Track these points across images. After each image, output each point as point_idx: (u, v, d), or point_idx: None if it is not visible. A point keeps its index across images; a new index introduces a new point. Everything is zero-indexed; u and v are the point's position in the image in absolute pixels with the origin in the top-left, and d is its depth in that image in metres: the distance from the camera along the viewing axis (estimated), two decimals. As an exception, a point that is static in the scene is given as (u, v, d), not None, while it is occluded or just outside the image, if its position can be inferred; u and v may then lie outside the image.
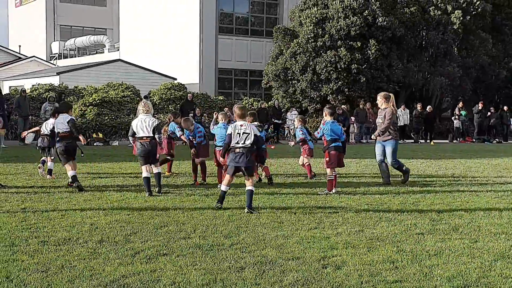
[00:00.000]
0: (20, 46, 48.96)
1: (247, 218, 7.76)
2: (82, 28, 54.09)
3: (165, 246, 6.21)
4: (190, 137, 11.32)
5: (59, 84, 29.99)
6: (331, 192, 10.18)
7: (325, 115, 10.74)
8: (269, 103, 32.00)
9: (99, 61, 41.65)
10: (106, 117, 26.77)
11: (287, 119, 28.90)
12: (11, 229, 6.92)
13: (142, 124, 9.75)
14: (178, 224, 7.33)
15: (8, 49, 44.80)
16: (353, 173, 13.59)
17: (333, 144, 10.44)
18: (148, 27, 38.77)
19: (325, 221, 7.70)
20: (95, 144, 22.83)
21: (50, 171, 11.64)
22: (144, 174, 9.77)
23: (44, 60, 44.66)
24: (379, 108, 11.82)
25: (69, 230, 6.93)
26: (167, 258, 5.77)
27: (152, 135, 9.75)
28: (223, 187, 8.58)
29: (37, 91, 29.19)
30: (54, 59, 50.17)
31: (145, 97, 26.89)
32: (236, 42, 35.41)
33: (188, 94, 27.74)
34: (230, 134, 8.32)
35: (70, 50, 50.14)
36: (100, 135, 24.43)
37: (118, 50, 46.67)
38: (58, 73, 31.85)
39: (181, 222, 7.47)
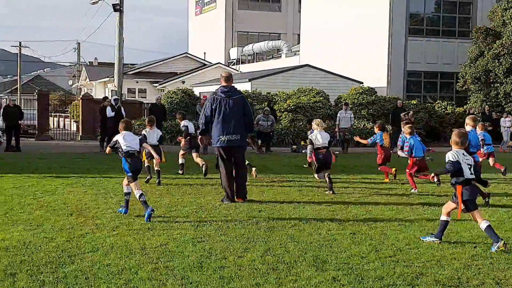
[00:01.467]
0: (205, 53, 51.39)
1: None
2: (258, 34, 55.53)
3: None
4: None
5: (252, 91, 30.76)
6: None
7: None
8: (464, 107, 30.29)
9: (281, 66, 42.36)
10: (300, 123, 26.97)
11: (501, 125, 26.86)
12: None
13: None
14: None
15: (194, 56, 47.17)
16: None
17: None
18: (330, 31, 38.61)
19: None
20: (303, 151, 22.96)
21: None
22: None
23: (228, 66, 46.37)
24: None
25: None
26: None
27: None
28: None
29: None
30: (232, 65, 51.95)
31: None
32: (427, 43, 34.01)
33: (398, 101, 26.46)
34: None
35: (248, 55, 51.67)
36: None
37: (295, 54, 47.20)
38: (250, 80, 32.70)
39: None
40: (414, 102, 30.27)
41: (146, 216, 8.24)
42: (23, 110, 23.34)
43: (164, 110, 24.36)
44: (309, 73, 33.16)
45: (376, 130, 13.95)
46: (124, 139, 8.89)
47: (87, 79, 51.34)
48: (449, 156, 7.06)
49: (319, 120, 12.52)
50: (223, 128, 9.99)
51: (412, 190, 11.57)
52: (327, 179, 11.37)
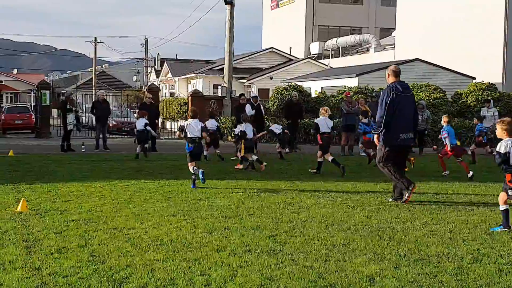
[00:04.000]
0: (290, 48, 50.16)
1: None
2: (339, 28, 54.02)
3: None
4: None
5: (363, 86, 29.32)
6: None
7: None
8: None
9: (371, 62, 40.81)
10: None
11: None
12: None
13: None
14: None
15: (280, 51, 45.97)
16: None
17: None
18: (432, 23, 36.82)
19: None
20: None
21: None
22: None
23: (317, 61, 45.04)
24: None
25: None
26: None
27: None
28: None
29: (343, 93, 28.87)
30: (313, 59, 50.50)
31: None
32: (547, 35, 31.96)
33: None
34: None
35: (332, 50, 50.19)
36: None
37: (384, 49, 45.52)
38: (358, 75, 31.28)
39: None
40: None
41: (201, 178, 10.76)
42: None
43: (300, 106, 22.68)
44: (420, 68, 31.52)
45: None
46: (189, 126, 11.23)
47: (168, 75, 50.75)
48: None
49: (326, 107, 14.59)
50: (404, 126, 9.80)
51: None
52: (333, 162, 13.63)
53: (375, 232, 7.36)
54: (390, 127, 9.72)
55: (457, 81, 31.31)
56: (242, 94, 21.54)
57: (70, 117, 19.98)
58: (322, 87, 34.56)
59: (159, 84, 57.01)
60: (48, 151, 19.67)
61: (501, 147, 7.52)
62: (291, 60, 45.44)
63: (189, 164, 11.28)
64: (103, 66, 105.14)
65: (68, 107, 19.97)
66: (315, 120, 14.45)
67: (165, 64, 51.36)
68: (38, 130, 27.40)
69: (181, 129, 11.40)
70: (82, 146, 19.79)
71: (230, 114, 28.65)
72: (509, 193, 7.55)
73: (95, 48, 62.06)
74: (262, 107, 20.07)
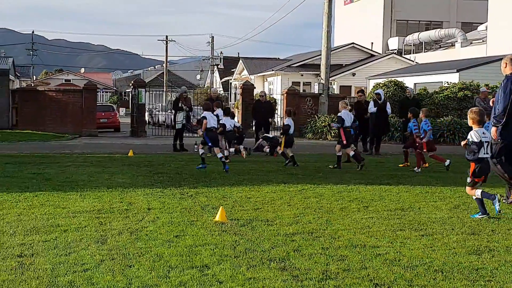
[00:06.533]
0: (372, 43, 48.71)
1: None
2: (418, 22, 52.11)
3: None
4: None
5: (467, 82, 27.72)
6: None
7: None
8: None
9: (458, 57, 39.02)
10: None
11: None
12: None
13: None
14: None
15: (361, 46, 44.56)
16: None
17: None
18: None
19: None
20: None
21: None
22: None
23: (403, 57, 43.42)
24: None
25: None
26: None
27: None
28: None
29: (448, 90, 27.41)
30: (399, 55, 48.59)
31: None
32: None
33: None
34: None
35: (413, 45, 48.37)
36: None
37: (471, 43, 43.49)
38: (458, 70, 29.69)
39: None
40: None
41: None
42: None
43: (417, 101, 21.39)
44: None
45: None
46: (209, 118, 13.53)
47: (243, 72, 50.06)
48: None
49: (346, 101, 15.18)
50: None
51: None
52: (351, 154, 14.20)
53: None
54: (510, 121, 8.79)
55: None
56: (361, 90, 20.37)
57: (180, 116, 19.27)
58: (415, 84, 33.12)
59: (230, 82, 56.55)
60: (161, 150, 19.10)
61: (473, 137, 7.91)
62: (372, 55, 43.97)
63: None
64: (162, 65, 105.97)
65: (180, 105, 19.27)
66: (339, 114, 14.24)
67: (240, 61, 50.65)
68: (134, 129, 27.02)
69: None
70: (195, 146, 19.09)
71: (327, 112, 27.62)
72: (468, 180, 8.15)
73: (166, 47, 62.10)
74: (388, 105, 18.78)
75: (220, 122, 15.16)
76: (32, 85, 45.30)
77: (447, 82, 28.26)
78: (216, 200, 9.27)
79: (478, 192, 8.01)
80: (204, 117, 13.46)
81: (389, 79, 29.10)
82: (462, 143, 8.26)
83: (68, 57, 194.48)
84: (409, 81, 33.54)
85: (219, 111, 15.83)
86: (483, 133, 8.04)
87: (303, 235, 6.94)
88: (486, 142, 8.01)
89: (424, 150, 13.99)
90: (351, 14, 57.37)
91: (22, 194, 9.48)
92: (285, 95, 28.31)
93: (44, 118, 26.57)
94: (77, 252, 6.05)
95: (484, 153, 8.01)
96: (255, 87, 29.02)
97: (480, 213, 8.05)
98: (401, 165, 14.61)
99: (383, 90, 27.13)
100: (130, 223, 7.48)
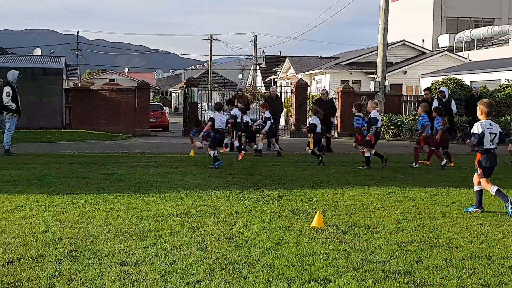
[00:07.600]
0: (423, 40, 47.57)
1: None
2: (469, 19, 50.63)
3: None
4: None
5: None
6: None
7: None
8: None
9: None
10: None
11: None
12: None
13: None
14: None
15: (413, 44, 43.46)
16: None
17: None
18: None
19: None
20: None
21: None
22: None
23: (456, 54, 42.20)
24: None
25: None
26: None
27: None
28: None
29: (509, 88, 26.35)
30: (452, 52, 47.28)
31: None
32: None
33: None
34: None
35: (465, 42, 46.98)
36: None
37: (527, 40, 41.93)
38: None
39: None
40: None
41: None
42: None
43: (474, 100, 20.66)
44: None
45: None
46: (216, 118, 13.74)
47: (290, 71, 49.50)
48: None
49: (377, 100, 15.74)
50: None
51: None
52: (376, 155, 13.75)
53: None
54: None
55: None
56: (428, 88, 19.64)
57: None
58: (471, 81, 32.01)
59: (275, 81, 56.02)
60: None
61: (475, 129, 8.02)
62: (423, 53, 42.84)
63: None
64: (204, 65, 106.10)
65: (235, 103, 18.84)
66: (372, 115, 13.86)
67: (287, 60, 50.07)
68: (187, 128, 26.77)
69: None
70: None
71: (383, 111, 26.87)
72: (478, 172, 8.07)
73: (211, 46, 61.93)
74: (453, 103, 18.06)
75: (231, 113, 16.89)
76: (79, 84, 45.74)
77: (507, 80, 27.15)
78: (302, 204, 8.78)
79: (494, 189, 7.96)
80: (212, 119, 13.80)
81: (448, 76, 28.08)
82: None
83: (109, 57, 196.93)
84: (465, 79, 32.47)
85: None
86: (490, 124, 8.03)
87: (416, 244, 6.40)
88: (491, 133, 7.98)
89: (422, 145, 14.23)
90: (399, 11, 56.18)
91: (101, 196, 9.17)
92: (339, 93, 27.66)
93: (98, 118, 26.56)
94: (181, 261, 5.64)
95: (490, 144, 7.97)
96: (309, 85, 28.43)
97: (474, 207, 8.12)
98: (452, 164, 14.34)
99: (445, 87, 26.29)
100: (223, 228, 7.06)
